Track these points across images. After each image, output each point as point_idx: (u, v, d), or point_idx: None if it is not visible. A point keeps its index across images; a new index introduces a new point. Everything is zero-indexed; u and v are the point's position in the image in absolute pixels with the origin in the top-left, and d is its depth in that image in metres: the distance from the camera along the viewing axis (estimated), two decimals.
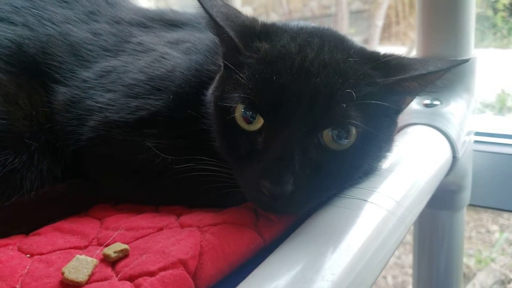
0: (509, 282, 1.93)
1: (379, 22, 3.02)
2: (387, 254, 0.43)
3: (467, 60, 0.45)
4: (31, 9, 0.58)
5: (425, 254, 0.78)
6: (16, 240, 0.46)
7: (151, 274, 0.37)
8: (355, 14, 4.93)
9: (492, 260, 2.00)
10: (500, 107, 2.88)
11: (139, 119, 0.51)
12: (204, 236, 0.42)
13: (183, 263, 0.38)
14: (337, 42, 0.47)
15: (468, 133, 0.68)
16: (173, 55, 0.55)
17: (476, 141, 0.75)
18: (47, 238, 0.46)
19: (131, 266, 0.39)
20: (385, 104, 0.44)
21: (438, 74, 0.44)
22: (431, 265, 0.76)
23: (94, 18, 0.60)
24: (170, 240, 0.41)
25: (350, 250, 0.40)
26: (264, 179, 0.41)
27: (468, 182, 0.72)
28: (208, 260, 0.39)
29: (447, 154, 0.59)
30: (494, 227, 2.28)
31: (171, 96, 0.52)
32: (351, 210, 0.44)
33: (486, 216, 2.31)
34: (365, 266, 0.40)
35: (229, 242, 0.42)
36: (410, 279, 1.76)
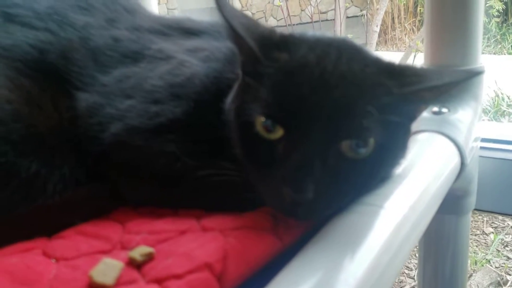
0: (505, 284, 1.96)
1: (377, 28, 3.07)
2: (403, 258, 0.45)
3: (482, 72, 0.47)
4: (52, 14, 0.59)
5: (430, 258, 0.80)
6: (40, 244, 0.47)
7: (179, 277, 0.38)
8: (352, 19, 4.99)
9: (488, 261, 2.02)
10: (495, 111, 2.91)
11: (159, 125, 0.53)
12: (227, 240, 0.43)
13: (208, 266, 0.39)
14: (354, 53, 0.48)
15: (475, 140, 0.70)
16: (192, 63, 0.57)
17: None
18: (71, 242, 0.47)
19: (158, 269, 0.40)
20: (401, 113, 0.46)
21: (454, 85, 0.45)
22: (437, 269, 0.77)
23: (114, 24, 0.61)
24: (194, 244, 0.43)
25: (369, 255, 0.41)
26: (286, 186, 0.43)
27: (474, 187, 0.74)
28: (231, 264, 0.41)
29: (456, 160, 0.61)
30: (489, 229, 2.30)
31: (191, 103, 0.54)
32: (367, 216, 0.45)
33: (481, 219, 2.33)
34: (384, 270, 0.41)
35: (251, 246, 0.43)
36: (406, 279, 1.78)
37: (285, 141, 0.44)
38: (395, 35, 4.91)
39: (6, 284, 0.39)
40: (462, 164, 0.62)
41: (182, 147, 0.52)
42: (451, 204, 0.72)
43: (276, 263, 0.44)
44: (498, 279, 1.97)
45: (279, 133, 0.45)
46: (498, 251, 2.17)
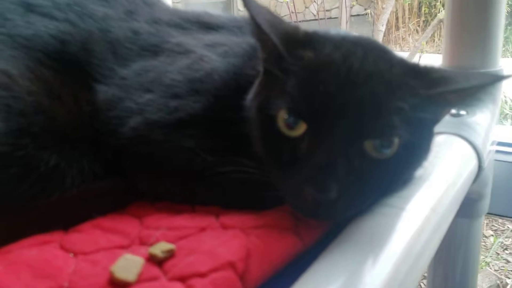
0: (504, 287, 1.96)
1: (382, 27, 3.06)
2: (425, 262, 0.45)
3: (509, 76, 0.46)
4: (72, 5, 0.58)
5: (441, 261, 0.79)
6: (57, 237, 0.47)
7: (202, 275, 0.38)
8: (356, 18, 4.98)
9: (487, 264, 2.02)
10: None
11: (179, 120, 0.52)
12: (250, 239, 0.42)
13: (232, 265, 0.39)
14: (380, 53, 0.48)
15: (492, 143, 0.69)
16: (211, 58, 0.56)
17: None
18: (89, 236, 0.46)
19: (180, 266, 0.39)
20: (426, 114, 0.45)
21: (480, 88, 0.45)
22: (447, 272, 0.77)
23: (133, 17, 0.60)
24: (216, 241, 0.42)
25: (392, 258, 0.41)
26: (309, 185, 0.42)
27: (488, 191, 0.74)
28: (254, 263, 0.40)
29: (473, 163, 0.60)
30: (489, 232, 2.30)
31: (210, 99, 0.53)
32: (389, 218, 0.45)
33: None
34: (407, 273, 0.41)
35: (272, 246, 0.42)
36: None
37: (308, 139, 0.44)
38: (398, 35, 4.90)
39: (27, 277, 0.39)
40: (480, 167, 0.61)
41: (201, 143, 0.51)
42: (465, 207, 0.72)
43: (295, 263, 0.44)
44: (498, 282, 1.98)
45: (300, 130, 0.44)
46: (498, 254, 2.17)
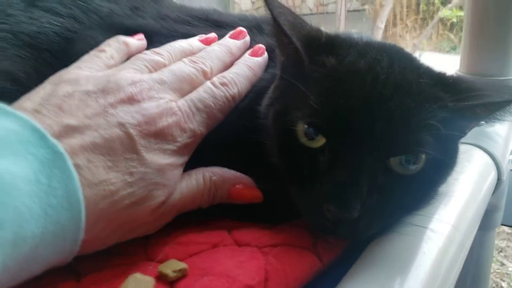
0: None
1: (382, 25, 3.04)
2: (452, 281, 0.42)
3: None
4: (76, 0, 0.54)
5: None
6: None
7: None
8: (353, 13, 4.96)
9: None
10: None
11: None
12: (267, 259, 0.40)
13: None
14: (406, 61, 0.45)
15: (510, 153, 0.67)
16: None
17: None
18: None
19: None
20: (453, 128, 0.43)
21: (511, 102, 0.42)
22: (458, 283, 0.75)
23: (139, 13, 0.57)
24: (231, 261, 0.39)
25: (419, 280, 0.38)
26: (330, 203, 0.39)
27: (503, 202, 0.72)
28: (272, 286, 0.38)
29: (493, 175, 0.58)
30: None
31: None
32: (414, 237, 0.43)
33: None
34: None
35: (291, 266, 0.40)
36: None
37: (330, 153, 0.41)
38: (396, 32, 4.88)
39: None
40: (499, 179, 0.59)
41: (213, 151, 0.48)
42: None
43: (312, 283, 0.41)
44: (493, 285, 1.97)
45: (321, 141, 0.41)
46: (493, 256, 2.16)
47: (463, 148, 0.54)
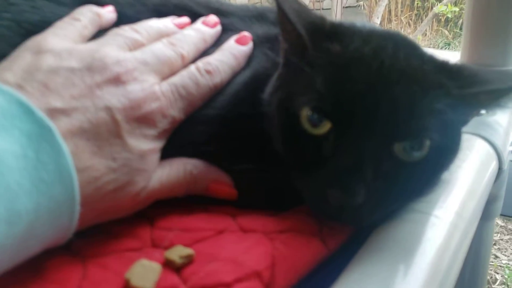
0: (494, 282, 1.98)
1: (377, 20, 3.04)
2: (456, 269, 0.42)
3: None
4: None
5: None
6: None
7: (227, 286, 0.35)
8: (348, 9, 4.96)
9: None
10: None
11: (189, 118, 0.49)
12: (274, 245, 0.40)
13: (258, 274, 0.36)
14: (411, 48, 0.45)
15: (511, 143, 0.68)
16: None
17: None
18: (95, 238, 0.43)
19: (201, 275, 0.36)
20: (456, 115, 0.43)
21: None
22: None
23: (141, 1, 0.57)
24: (238, 247, 0.39)
25: (425, 266, 0.38)
26: (334, 188, 0.39)
27: (503, 192, 0.72)
28: (280, 272, 0.38)
29: (494, 164, 0.58)
30: None
31: (223, 92, 0.50)
32: (418, 224, 0.43)
33: None
34: (441, 282, 0.39)
35: (298, 252, 0.40)
36: None
37: (333, 138, 0.41)
38: (391, 27, 4.89)
39: (36, 281, 0.36)
40: (500, 169, 0.59)
41: (215, 141, 0.48)
42: None
43: (318, 269, 0.41)
44: (488, 277, 1.99)
45: (325, 128, 0.41)
46: None
47: (464, 137, 0.55)
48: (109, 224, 0.45)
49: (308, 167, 0.43)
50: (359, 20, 0.52)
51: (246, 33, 0.55)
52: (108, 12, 0.53)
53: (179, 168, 0.46)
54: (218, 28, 0.56)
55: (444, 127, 0.42)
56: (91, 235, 0.44)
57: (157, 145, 0.44)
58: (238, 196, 0.48)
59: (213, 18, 0.56)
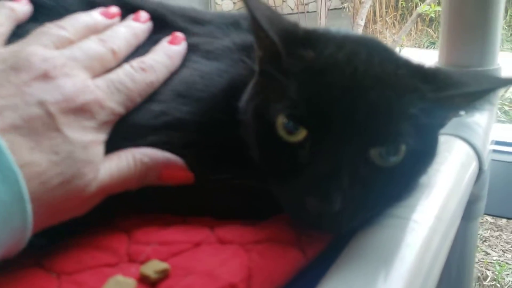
0: (485, 279, 1.99)
1: (362, 22, 3.05)
2: (436, 272, 0.42)
3: None
4: None
5: None
6: (33, 253, 0.42)
7: None
8: (333, 12, 4.98)
9: None
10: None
11: (165, 124, 0.48)
12: (251, 257, 0.39)
13: (233, 287, 0.36)
14: (385, 53, 0.45)
15: (490, 143, 0.68)
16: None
17: None
18: (70, 253, 0.42)
19: None
20: (432, 119, 0.43)
21: (493, 91, 0.43)
22: (442, 274, 0.75)
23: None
24: (214, 260, 0.39)
25: (404, 271, 0.38)
26: (311, 195, 0.39)
27: (485, 192, 0.72)
28: (256, 283, 0.37)
29: (474, 165, 0.58)
30: None
31: (198, 100, 0.50)
32: (397, 229, 0.42)
33: None
34: (421, 285, 0.39)
35: (275, 262, 0.39)
36: None
37: (309, 145, 0.41)
38: (376, 28, 4.92)
39: None
40: (480, 169, 0.60)
41: (191, 148, 0.48)
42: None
43: (296, 278, 0.41)
44: (478, 274, 2.00)
45: (301, 135, 0.41)
46: (477, 246, 2.19)
47: (443, 139, 0.55)
48: (85, 237, 0.45)
49: (285, 174, 0.42)
50: (333, 26, 0.52)
51: (178, 33, 0.55)
52: (23, 5, 0.52)
53: (128, 158, 0.45)
54: (149, 24, 0.56)
55: (419, 131, 0.41)
56: (66, 249, 0.43)
57: (99, 137, 0.44)
58: (216, 206, 0.48)
59: (144, 14, 0.56)
